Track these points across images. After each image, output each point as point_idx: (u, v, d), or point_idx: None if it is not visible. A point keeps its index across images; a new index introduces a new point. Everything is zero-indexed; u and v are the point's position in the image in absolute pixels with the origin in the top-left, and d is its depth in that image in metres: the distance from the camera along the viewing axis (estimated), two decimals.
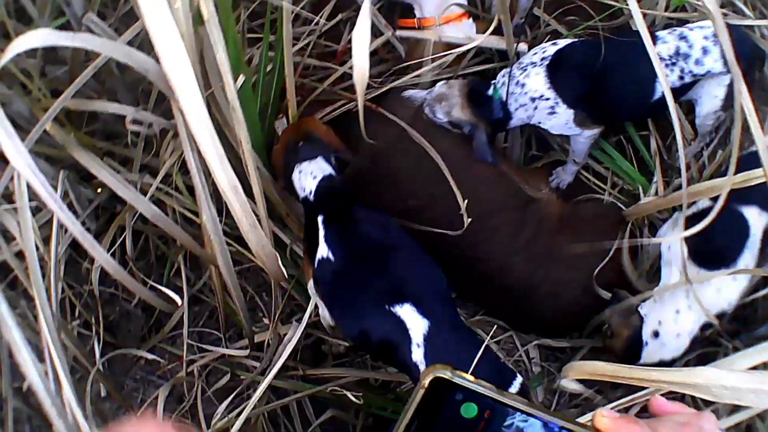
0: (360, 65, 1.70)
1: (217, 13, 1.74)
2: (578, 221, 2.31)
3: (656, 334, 2.11)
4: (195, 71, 1.67)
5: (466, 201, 2.08)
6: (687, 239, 1.97)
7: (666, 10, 2.46)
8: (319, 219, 1.89)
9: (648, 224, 2.46)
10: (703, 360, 2.25)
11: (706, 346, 2.24)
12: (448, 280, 1.98)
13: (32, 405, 2.26)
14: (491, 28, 2.18)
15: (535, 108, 2.27)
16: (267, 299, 2.30)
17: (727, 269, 2.04)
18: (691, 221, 1.91)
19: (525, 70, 2.28)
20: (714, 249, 2.06)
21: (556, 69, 2.25)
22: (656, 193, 2.47)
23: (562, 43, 2.31)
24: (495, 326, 2.30)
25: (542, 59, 2.27)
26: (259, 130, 2.08)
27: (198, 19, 1.68)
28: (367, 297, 1.79)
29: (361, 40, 1.71)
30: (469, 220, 2.07)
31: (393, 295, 1.75)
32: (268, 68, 2.11)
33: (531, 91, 2.25)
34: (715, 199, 1.90)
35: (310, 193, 1.97)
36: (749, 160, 1.84)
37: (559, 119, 2.29)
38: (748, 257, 2.07)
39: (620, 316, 2.15)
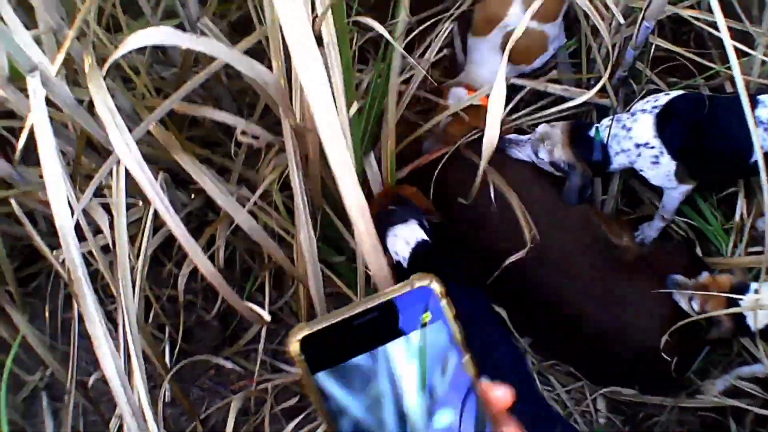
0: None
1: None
2: (656, 266, 2.29)
3: None
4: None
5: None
6: None
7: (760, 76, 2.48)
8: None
9: None
10: None
11: None
12: (527, 326, 2.14)
13: (92, 399, 2.29)
14: (598, 86, 2.22)
15: (639, 155, 2.28)
16: None
17: None
18: None
19: (634, 115, 2.29)
20: None
21: (665, 118, 2.25)
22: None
23: (674, 93, 2.32)
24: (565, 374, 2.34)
25: (653, 107, 2.28)
26: (360, 159, 2.10)
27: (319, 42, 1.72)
28: None
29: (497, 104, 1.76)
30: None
31: None
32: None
33: (637, 137, 2.26)
34: None
35: (404, 259, 1.98)
36: None
37: (661, 170, 2.28)
38: None
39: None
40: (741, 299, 2.03)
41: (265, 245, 1.98)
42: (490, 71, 2.49)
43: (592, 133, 2.32)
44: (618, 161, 2.33)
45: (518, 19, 2.34)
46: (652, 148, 2.25)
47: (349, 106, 1.79)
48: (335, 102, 1.67)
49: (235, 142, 2.10)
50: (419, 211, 2.08)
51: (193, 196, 2.34)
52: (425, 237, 2.01)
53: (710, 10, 1.75)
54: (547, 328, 2.33)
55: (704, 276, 2.15)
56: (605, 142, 2.29)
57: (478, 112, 2.34)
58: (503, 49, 2.26)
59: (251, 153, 2.24)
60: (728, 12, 2.42)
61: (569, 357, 2.42)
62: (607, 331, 2.21)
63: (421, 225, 2.04)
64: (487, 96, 2.20)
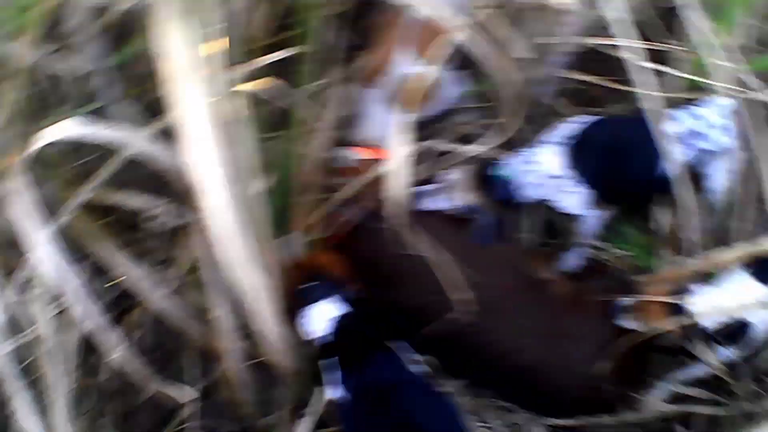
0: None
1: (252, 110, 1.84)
2: (587, 298, 2.32)
3: None
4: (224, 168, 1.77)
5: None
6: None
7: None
8: (331, 360, 1.90)
9: None
10: None
11: None
12: (463, 368, 2.14)
13: None
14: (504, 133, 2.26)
15: (551, 186, 2.30)
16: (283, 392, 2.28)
17: None
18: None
19: (542, 147, 2.32)
20: None
21: (572, 148, 2.27)
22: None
23: (581, 121, 2.35)
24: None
25: (561, 137, 2.30)
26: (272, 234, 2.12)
27: (230, 116, 1.75)
28: None
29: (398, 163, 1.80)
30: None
31: None
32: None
33: (545, 169, 2.27)
34: None
35: (324, 336, 1.95)
36: None
37: (576, 199, 2.31)
38: None
39: None
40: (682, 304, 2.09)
41: (183, 325, 1.99)
42: (380, 122, 2.44)
43: (496, 172, 2.33)
44: (531, 195, 2.33)
45: (408, 66, 2.39)
46: (562, 178, 2.27)
47: (254, 184, 1.81)
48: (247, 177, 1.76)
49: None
50: (336, 286, 2.03)
51: (113, 282, 2.32)
52: (346, 309, 1.97)
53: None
54: (485, 369, 2.32)
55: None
56: (511, 179, 2.29)
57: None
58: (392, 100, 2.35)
59: (172, 234, 2.24)
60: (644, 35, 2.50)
61: (511, 394, 2.40)
62: (548, 365, 2.23)
63: (342, 298, 1.99)
64: (375, 148, 2.32)
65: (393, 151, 1.88)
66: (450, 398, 1.94)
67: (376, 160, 2.37)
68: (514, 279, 2.29)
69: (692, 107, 2.30)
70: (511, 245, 2.49)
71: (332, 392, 1.86)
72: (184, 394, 1.98)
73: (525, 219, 2.61)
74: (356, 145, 2.50)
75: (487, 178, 2.33)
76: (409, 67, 2.33)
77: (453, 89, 2.61)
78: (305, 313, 1.98)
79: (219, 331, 1.92)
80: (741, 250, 1.83)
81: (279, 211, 2.17)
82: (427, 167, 2.52)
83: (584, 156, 2.27)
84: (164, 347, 2.40)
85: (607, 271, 2.62)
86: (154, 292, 1.93)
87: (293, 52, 2.01)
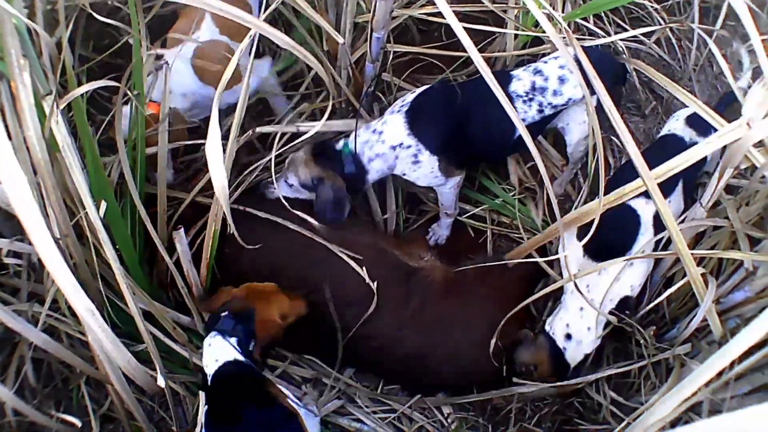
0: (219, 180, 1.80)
1: (77, 139, 1.83)
2: (464, 281, 2.35)
3: (569, 337, 2.23)
4: (55, 198, 1.76)
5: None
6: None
7: (516, 48, 2.61)
8: (204, 409, 1.87)
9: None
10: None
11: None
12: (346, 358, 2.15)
13: None
14: (328, 112, 2.19)
15: (396, 157, 2.28)
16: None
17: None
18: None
19: (383, 120, 2.30)
20: (607, 245, 2.19)
21: (415, 114, 2.26)
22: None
23: (420, 90, 2.35)
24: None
25: (401, 106, 2.29)
26: (131, 246, 2.12)
27: (55, 145, 1.74)
28: None
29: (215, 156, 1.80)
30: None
31: None
32: None
33: (390, 140, 2.26)
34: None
35: (209, 375, 1.88)
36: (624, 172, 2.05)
37: (424, 168, 2.30)
38: (644, 240, 2.22)
39: (529, 348, 2.25)
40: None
41: (63, 356, 1.99)
42: (174, 79, 2.33)
43: (339, 145, 2.31)
44: (375, 168, 2.30)
45: (209, 35, 2.40)
46: (408, 147, 2.26)
47: (98, 204, 1.81)
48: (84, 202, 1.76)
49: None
50: (248, 331, 1.94)
51: None
52: (239, 357, 1.88)
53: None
54: (366, 360, 2.37)
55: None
56: (354, 151, 2.27)
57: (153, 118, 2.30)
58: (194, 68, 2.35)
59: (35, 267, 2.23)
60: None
61: (396, 382, 2.47)
62: (429, 353, 2.29)
63: (240, 345, 1.90)
64: (155, 102, 2.28)
65: (210, 145, 1.84)
66: None
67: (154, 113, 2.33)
68: (385, 271, 2.28)
69: (533, 64, 2.34)
70: (379, 235, 2.52)
71: None
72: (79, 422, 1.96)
73: (388, 200, 2.67)
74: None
75: (330, 153, 2.30)
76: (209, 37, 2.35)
77: (259, 81, 2.58)
78: (206, 337, 1.95)
79: (97, 356, 1.91)
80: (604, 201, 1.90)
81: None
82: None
83: (427, 123, 2.27)
84: (54, 381, 2.39)
85: (474, 240, 2.71)
86: (28, 328, 1.90)
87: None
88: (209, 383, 1.86)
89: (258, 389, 1.89)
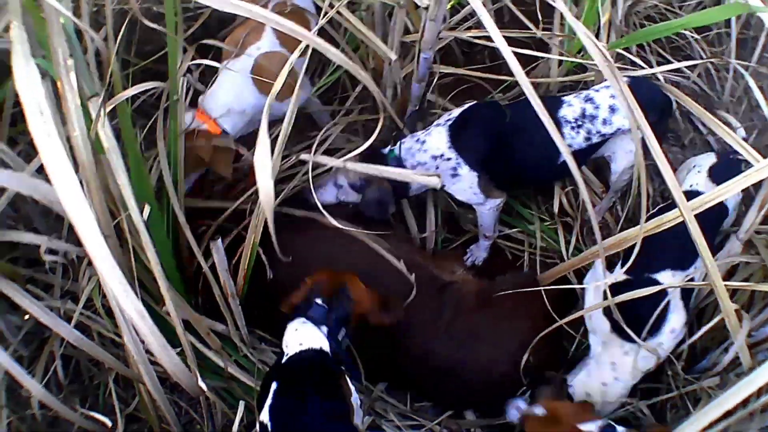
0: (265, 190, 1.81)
1: (120, 141, 1.85)
2: (496, 296, 2.35)
3: None
4: (98, 200, 1.78)
5: None
6: (607, 313, 2.07)
7: (561, 75, 2.61)
8: (274, 385, 1.87)
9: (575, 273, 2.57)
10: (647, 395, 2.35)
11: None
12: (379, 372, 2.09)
13: None
14: (379, 127, 2.24)
15: (437, 167, 2.31)
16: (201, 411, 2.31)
17: (652, 339, 2.13)
18: (612, 291, 2.04)
19: (428, 130, 2.35)
20: (637, 325, 2.10)
21: (458, 128, 2.30)
22: (570, 251, 2.64)
23: (469, 105, 2.38)
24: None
25: (446, 120, 2.34)
26: (170, 251, 2.13)
27: (99, 148, 1.76)
28: None
29: (263, 165, 1.81)
30: None
31: None
32: None
33: (431, 149, 2.30)
34: (629, 272, 2.04)
35: (287, 355, 1.91)
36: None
37: (463, 183, 2.33)
38: (674, 320, 2.15)
39: (551, 393, 2.19)
40: None
41: (95, 354, 2.00)
42: (234, 94, 2.41)
43: (386, 150, 2.36)
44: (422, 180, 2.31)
45: (270, 46, 2.41)
46: (449, 159, 2.29)
47: (141, 207, 1.83)
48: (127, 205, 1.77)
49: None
50: (341, 322, 1.97)
51: (26, 316, 2.32)
52: (324, 347, 1.90)
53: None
54: (399, 373, 2.37)
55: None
56: (402, 159, 2.31)
57: (207, 137, 2.36)
58: (253, 80, 2.36)
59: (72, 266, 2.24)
60: (514, 23, 2.60)
61: (429, 395, 2.46)
62: (460, 367, 2.28)
63: (330, 335, 1.92)
64: (212, 119, 2.33)
65: (259, 151, 1.86)
66: None
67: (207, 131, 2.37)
68: (419, 284, 2.28)
69: (584, 92, 2.36)
70: (417, 251, 2.52)
71: (263, 416, 1.85)
72: (109, 422, 1.98)
73: (428, 216, 2.67)
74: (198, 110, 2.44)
75: (377, 156, 2.33)
76: (273, 47, 2.35)
77: (306, 93, 2.60)
78: (294, 320, 1.96)
79: (131, 356, 1.92)
80: (644, 228, 1.89)
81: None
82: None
83: (469, 137, 2.30)
84: (82, 378, 2.41)
85: (511, 263, 2.72)
86: (60, 324, 1.91)
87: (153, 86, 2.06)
88: (284, 361, 1.90)
89: (330, 381, 1.90)
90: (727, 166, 2.30)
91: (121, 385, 2.37)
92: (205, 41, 2.49)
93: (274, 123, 2.18)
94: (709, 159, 2.40)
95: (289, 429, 1.81)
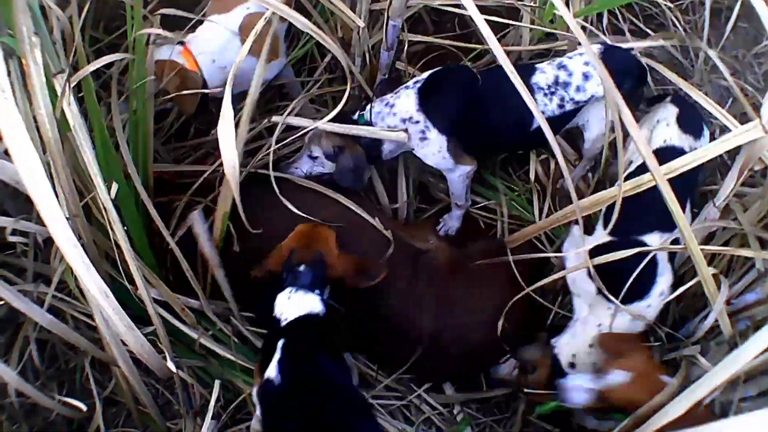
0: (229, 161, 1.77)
1: (87, 118, 1.81)
2: (468, 262, 2.35)
3: (572, 366, 2.17)
4: (65, 178, 1.74)
5: None
6: (593, 274, 2.03)
7: (531, 43, 2.59)
8: (280, 342, 1.87)
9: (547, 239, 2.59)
10: None
11: None
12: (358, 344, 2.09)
13: None
14: (346, 96, 2.20)
15: (406, 131, 2.29)
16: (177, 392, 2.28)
17: (641, 301, 2.12)
18: (593, 253, 2.03)
19: (397, 93, 2.33)
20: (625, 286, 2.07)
21: (427, 91, 2.28)
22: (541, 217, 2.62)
23: (438, 69, 2.36)
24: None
25: (415, 83, 2.32)
26: (140, 227, 2.10)
27: (65, 125, 1.72)
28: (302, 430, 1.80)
29: (227, 135, 1.78)
30: None
31: None
32: None
33: (401, 112, 2.28)
34: (614, 233, 2.07)
35: (285, 320, 1.92)
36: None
37: (432, 146, 2.31)
38: (662, 282, 2.14)
39: (537, 350, 2.22)
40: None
41: (68, 337, 1.97)
42: (219, 46, 2.39)
43: (356, 116, 2.34)
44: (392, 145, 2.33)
45: (257, 7, 2.37)
46: (417, 122, 2.28)
47: (109, 186, 1.79)
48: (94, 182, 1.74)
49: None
50: (323, 279, 1.99)
51: (0, 302, 2.28)
52: (319, 311, 1.93)
53: None
54: (378, 343, 2.35)
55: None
56: (369, 121, 2.29)
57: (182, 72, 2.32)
58: (240, 35, 2.32)
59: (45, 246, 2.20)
60: None
61: (406, 364, 2.39)
62: (437, 333, 2.26)
63: (321, 298, 1.95)
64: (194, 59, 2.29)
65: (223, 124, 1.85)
66: (374, 419, 1.93)
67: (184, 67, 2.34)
68: (395, 253, 2.26)
69: (558, 59, 2.33)
70: (390, 219, 2.49)
71: (269, 372, 1.84)
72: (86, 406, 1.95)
73: (399, 187, 2.66)
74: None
75: (350, 123, 2.31)
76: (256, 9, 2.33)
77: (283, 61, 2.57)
78: (283, 290, 1.96)
79: (104, 339, 1.89)
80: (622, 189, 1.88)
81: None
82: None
83: (438, 101, 2.28)
84: (58, 362, 2.38)
85: (484, 231, 2.71)
86: (31, 309, 1.88)
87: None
88: (285, 325, 1.90)
89: (329, 342, 1.94)
90: (692, 114, 2.29)
91: (98, 368, 2.34)
92: (165, 11, 2.42)
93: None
94: (670, 110, 2.36)
95: (300, 380, 1.82)
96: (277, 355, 1.83)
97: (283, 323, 1.91)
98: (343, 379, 1.89)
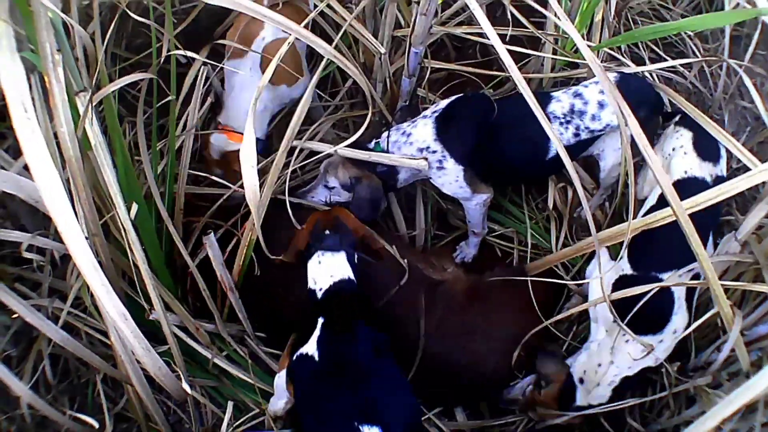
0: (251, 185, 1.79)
1: (107, 138, 1.81)
2: (485, 291, 2.34)
3: (582, 381, 2.20)
4: (85, 197, 1.75)
5: None
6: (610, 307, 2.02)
7: (552, 70, 2.57)
8: (320, 320, 1.90)
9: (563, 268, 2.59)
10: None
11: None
12: None
13: None
14: (367, 121, 2.22)
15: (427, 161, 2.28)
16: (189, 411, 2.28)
17: (654, 336, 2.12)
18: (616, 285, 2.07)
19: (414, 122, 2.32)
20: (641, 320, 2.06)
21: (444, 120, 2.27)
22: (559, 247, 2.61)
23: (456, 97, 2.36)
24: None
25: (432, 112, 2.31)
26: (158, 247, 2.11)
27: (87, 144, 1.73)
28: (339, 407, 1.79)
29: (248, 160, 1.79)
30: None
31: (366, 414, 1.75)
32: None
33: (417, 141, 2.27)
34: (636, 268, 2.10)
35: (321, 290, 1.95)
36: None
37: (449, 176, 2.30)
38: (678, 320, 2.13)
39: (554, 365, 2.22)
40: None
41: (81, 354, 1.97)
42: (251, 97, 2.36)
43: (371, 144, 2.33)
44: (404, 169, 2.32)
45: (274, 33, 2.39)
46: (435, 152, 2.27)
47: (128, 205, 1.80)
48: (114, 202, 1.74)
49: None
50: (353, 244, 2.04)
51: (14, 315, 2.29)
52: (351, 275, 1.96)
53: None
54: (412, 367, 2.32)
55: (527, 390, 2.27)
56: (385, 150, 2.29)
57: None
58: (262, 70, 2.31)
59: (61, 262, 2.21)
60: (509, 21, 2.54)
61: (422, 391, 2.33)
62: (453, 361, 2.26)
63: (350, 260, 2.00)
64: (232, 131, 2.33)
65: (246, 148, 1.87)
66: (411, 393, 1.93)
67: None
68: (409, 283, 2.26)
69: (574, 87, 2.32)
70: (407, 248, 2.46)
71: (306, 347, 1.87)
72: (97, 423, 1.94)
73: (417, 213, 2.66)
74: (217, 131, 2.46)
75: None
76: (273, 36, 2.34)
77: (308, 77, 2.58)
78: (313, 257, 1.99)
79: (118, 356, 1.89)
80: (634, 225, 1.87)
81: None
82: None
83: (455, 130, 2.27)
84: (71, 377, 2.38)
85: (501, 259, 2.70)
86: (46, 325, 1.89)
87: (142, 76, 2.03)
88: (321, 297, 1.94)
89: (366, 306, 1.99)
90: (708, 138, 2.22)
91: (110, 384, 2.35)
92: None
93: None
94: (685, 135, 2.32)
95: (339, 358, 1.84)
96: (316, 333, 1.86)
97: (320, 294, 1.94)
98: (381, 356, 1.90)
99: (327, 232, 2.01)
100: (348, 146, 2.22)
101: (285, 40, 2.05)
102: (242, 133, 2.28)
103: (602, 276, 1.99)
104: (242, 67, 2.42)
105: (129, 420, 2.36)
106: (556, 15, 1.90)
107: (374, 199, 2.31)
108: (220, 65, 2.44)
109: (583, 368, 2.21)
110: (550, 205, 2.68)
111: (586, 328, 2.40)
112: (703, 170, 2.24)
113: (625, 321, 2.01)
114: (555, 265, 2.48)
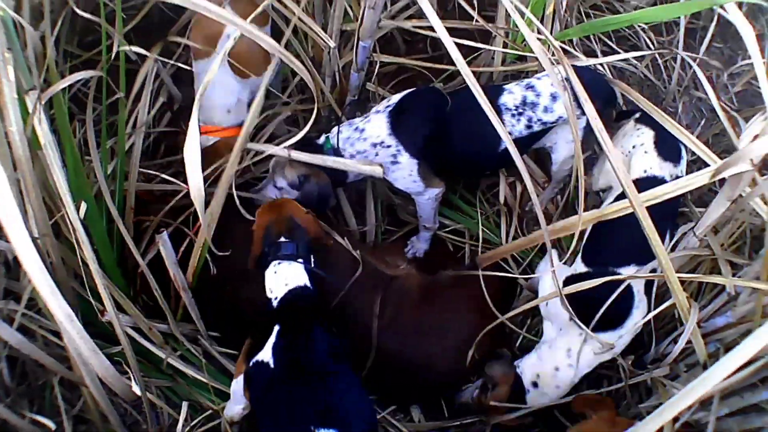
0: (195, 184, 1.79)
1: (57, 136, 1.80)
2: (438, 289, 2.36)
3: (535, 385, 2.21)
4: (35, 197, 1.73)
5: None
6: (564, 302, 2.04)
7: (503, 63, 2.60)
8: (276, 327, 1.89)
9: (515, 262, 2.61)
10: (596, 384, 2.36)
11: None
12: None
13: None
14: (313, 117, 2.18)
15: (377, 155, 2.28)
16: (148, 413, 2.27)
17: (614, 332, 2.13)
18: (568, 282, 2.06)
19: (367, 117, 2.31)
20: (600, 317, 2.07)
21: (398, 115, 2.27)
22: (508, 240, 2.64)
23: (408, 91, 2.36)
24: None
25: (386, 107, 2.31)
26: (109, 246, 2.09)
27: (36, 143, 1.71)
28: (296, 411, 1.78)
29: (193, 159, 1.78)
30: None
31: (323, 418, 1.75)
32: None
33: (371, 137, 2.27)
34: (591, 264, 2.13)
35: (276, 299, 1.95)
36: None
37: (403, 170, 2.30)
38: (637, 315, 2.15)
39: (501, 367, 2.24)
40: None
41: (36, 356, 1.95)
42: (223, 91, 2.44)
43: (321, 140, 2.33)
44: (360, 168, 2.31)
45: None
46: (389, 147, 2.26)
47: (78, 205, 1.78)
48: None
49: None
50: (308, 247, 2.03)
51: None
52: (307, 282, 1.97)
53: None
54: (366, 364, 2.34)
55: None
56: (336, 146, 2.29)
57: (227, 144, 2.33)
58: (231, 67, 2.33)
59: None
60: (460, 14, 2.58)
61: (376, 387, 2.38)
62: (407, 359, 2.28)
63: (306, 266, 1.99)
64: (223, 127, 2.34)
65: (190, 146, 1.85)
66: (367, 396, 1.94)
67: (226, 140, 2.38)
68: (361, 279, 2.26)
69: (527, 80, 2.34)
70: (358, 244, 2.47)
71: (262, 354, 1.86)
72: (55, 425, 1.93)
73: (368, 210, 2.68)
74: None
75: (315, 148, 2.31)
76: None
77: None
78: (269, 266, 1.98)
79: (73, 359, 1.87)
80: (585, 218, 1.89)
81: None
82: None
83: (409, 124, 2.27)
84: (28, 379, 2.35)
85: (452, 254, 2.72)
86: (3, 327, 1.86)
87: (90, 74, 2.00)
88: (277, 306, 1.94)
89: (322, 311, 1.99)
90: (669, 138, 2.23)
91: (67, 386, 2.31)
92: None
93: None
94: (646, 134, 2.32)
95: (295, 364, 1.84)
96: (272, 339, 1.85)
97: (275, 303, 1.93)
98: (337, 360, 1.88)
99: (282, 239, 2.00)
100: (297, 142, 2.20)
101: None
102: (220, 128, 2.42)
103: (554, 269, 1.99)
104: (212, 65, 2.40)
105: (87, 422, 2.34)
106: (508, 7, 1.90)
107: (322, 195, 2.31)
108: (171, 62, 2.43)
109: (535, 372, 2.21)
110: (501, 199, 2.70)
111: (540, 321, 2.41)
112: (664, 170, 2.25)
113: (588, 321, 2.03)
114: (505, 258, 2.52)
